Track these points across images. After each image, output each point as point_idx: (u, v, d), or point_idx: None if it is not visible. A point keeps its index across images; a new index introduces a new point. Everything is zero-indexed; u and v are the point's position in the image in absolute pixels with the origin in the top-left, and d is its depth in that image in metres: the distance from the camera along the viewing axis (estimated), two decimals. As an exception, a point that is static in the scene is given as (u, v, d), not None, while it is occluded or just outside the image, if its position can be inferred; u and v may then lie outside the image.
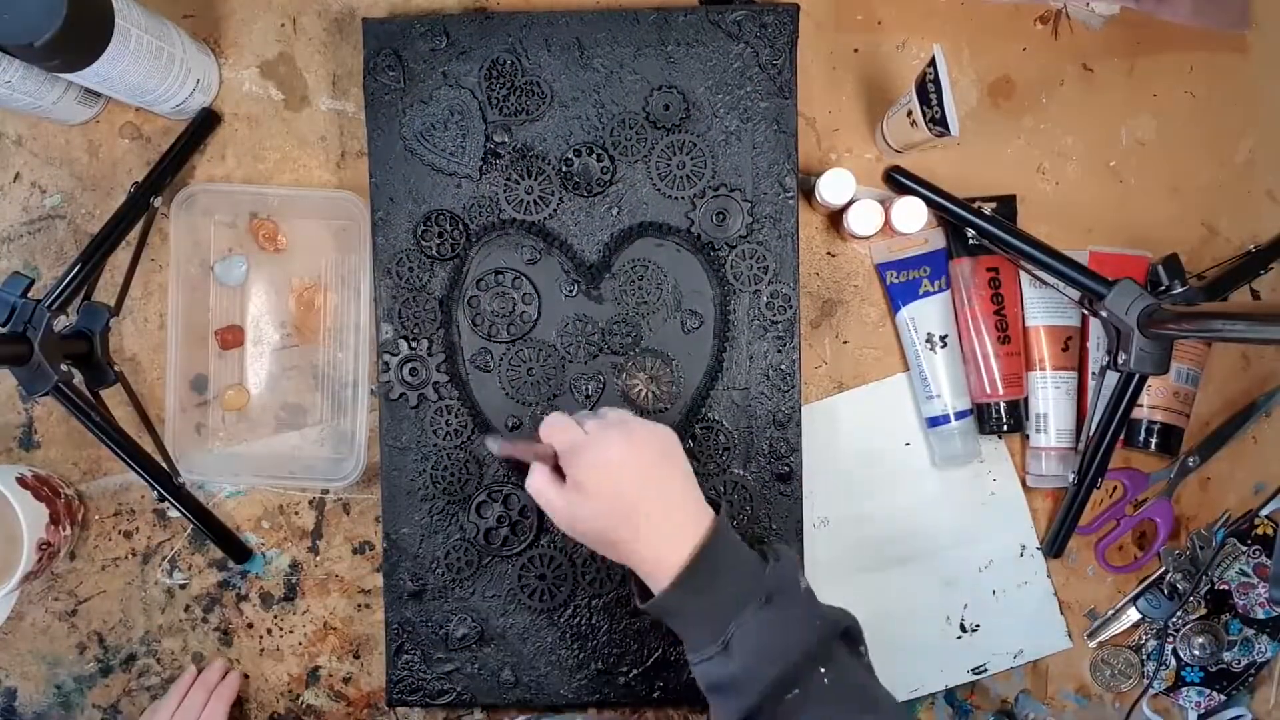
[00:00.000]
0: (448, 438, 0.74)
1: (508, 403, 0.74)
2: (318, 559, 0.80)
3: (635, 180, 0.74)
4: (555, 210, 0.74)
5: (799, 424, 0.74)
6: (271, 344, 0.80)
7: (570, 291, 0.74)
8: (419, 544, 0.75)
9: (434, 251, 0.74)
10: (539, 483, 0.61)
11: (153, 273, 0.79)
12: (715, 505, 0.61)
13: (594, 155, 0.74)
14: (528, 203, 0.74)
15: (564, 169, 0.74)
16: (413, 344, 0.74)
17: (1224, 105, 0.78)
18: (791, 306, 0.74)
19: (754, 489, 0.74)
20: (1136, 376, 0.69)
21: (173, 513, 0.80)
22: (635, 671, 0.75)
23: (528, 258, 0.74)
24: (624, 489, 0.59)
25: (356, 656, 0.80)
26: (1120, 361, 0.69)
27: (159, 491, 0.75)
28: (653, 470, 0.60)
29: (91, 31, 0.63)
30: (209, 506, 0.79)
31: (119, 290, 0.76)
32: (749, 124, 0.74)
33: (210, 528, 0.78)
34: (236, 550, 0.79)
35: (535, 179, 0.74)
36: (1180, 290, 0.72)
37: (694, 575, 0.57)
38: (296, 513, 0.80)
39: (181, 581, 0.80)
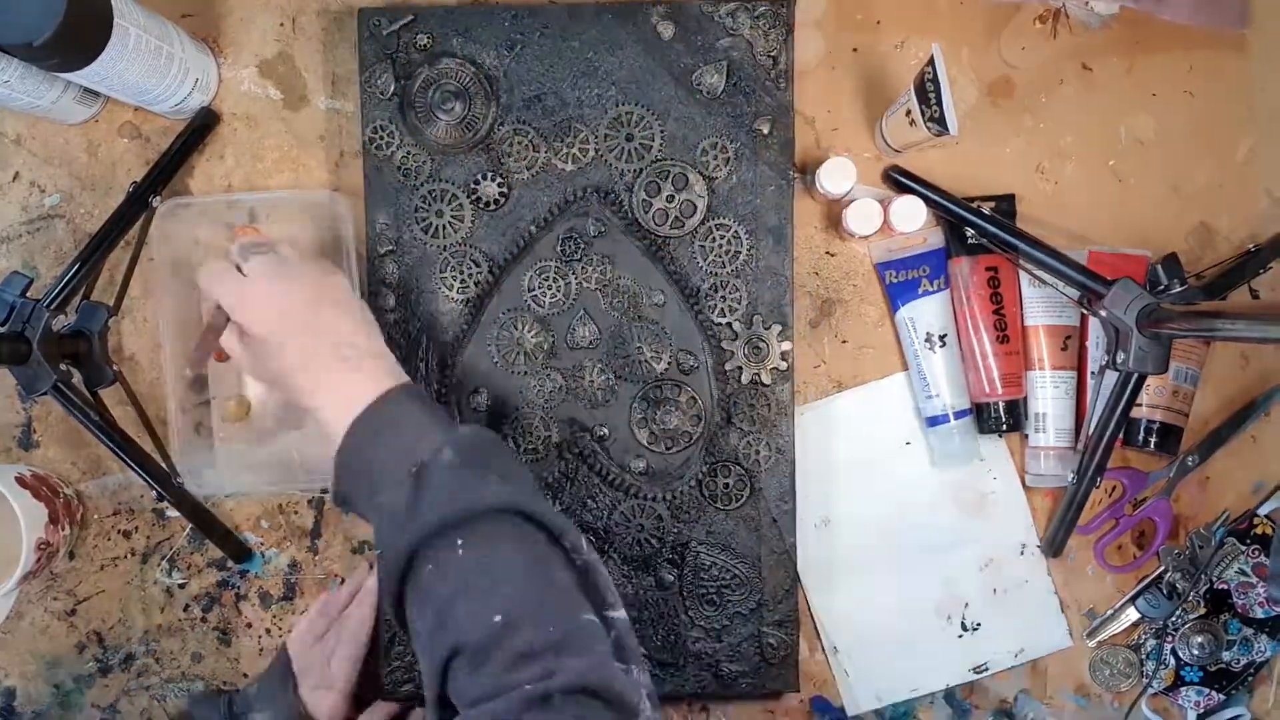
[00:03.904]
0: None
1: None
2: (317, 558, 0.80)
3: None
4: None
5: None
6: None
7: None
8: None
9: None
10: (228, 340, 0.63)
11: (152, 272, 0.79)
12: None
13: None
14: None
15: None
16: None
17: (1224, 105, 0.78)
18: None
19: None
20: (1135, 376, 0.69)
21: (172, 512, 0.80)
22: None
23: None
24: (290, 329, 0.60)
25: (356, 656, 0.80)
26: (1119, 361, 0.69)
27: (158, 491, 0.75)
28: (316, 311, 0.61)
29: (90, 31, 0.63)
30: (208, 505, 0.79)
31: (118, 290, 0.76)
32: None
33: (209, 527, 0.78)
34: (235, 550, 0.79)
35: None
36: (1179, 289, 0.72)
37: (369, 421, 0.56)
38: (295, 512, 0.80)
39: (180, 581, 0.80)
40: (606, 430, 0.74)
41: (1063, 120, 0.78)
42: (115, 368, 0.74)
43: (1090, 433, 0.73)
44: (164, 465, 0.76)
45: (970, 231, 0.75)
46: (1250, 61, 0.78)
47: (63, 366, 0.70)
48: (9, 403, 0.80)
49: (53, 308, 0.69)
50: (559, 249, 0.74)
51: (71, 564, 0.80)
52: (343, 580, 0.79)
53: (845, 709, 0.78)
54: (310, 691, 0.71)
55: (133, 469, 0.74)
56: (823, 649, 0.79)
